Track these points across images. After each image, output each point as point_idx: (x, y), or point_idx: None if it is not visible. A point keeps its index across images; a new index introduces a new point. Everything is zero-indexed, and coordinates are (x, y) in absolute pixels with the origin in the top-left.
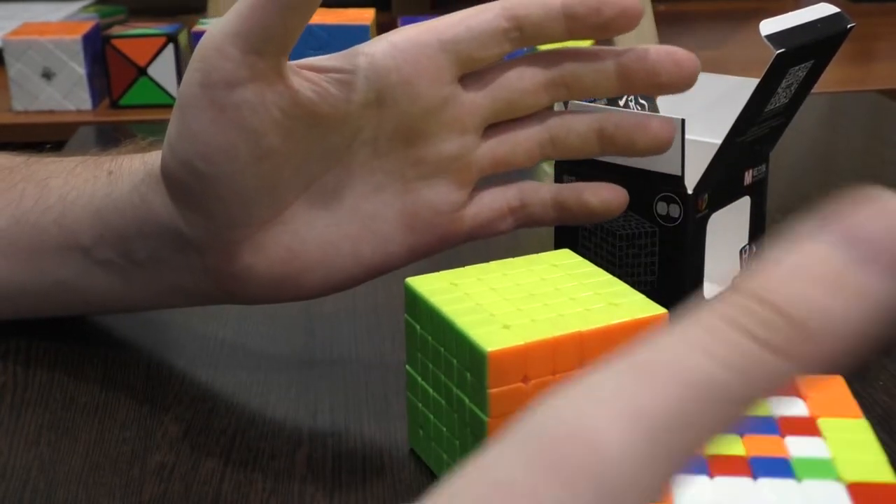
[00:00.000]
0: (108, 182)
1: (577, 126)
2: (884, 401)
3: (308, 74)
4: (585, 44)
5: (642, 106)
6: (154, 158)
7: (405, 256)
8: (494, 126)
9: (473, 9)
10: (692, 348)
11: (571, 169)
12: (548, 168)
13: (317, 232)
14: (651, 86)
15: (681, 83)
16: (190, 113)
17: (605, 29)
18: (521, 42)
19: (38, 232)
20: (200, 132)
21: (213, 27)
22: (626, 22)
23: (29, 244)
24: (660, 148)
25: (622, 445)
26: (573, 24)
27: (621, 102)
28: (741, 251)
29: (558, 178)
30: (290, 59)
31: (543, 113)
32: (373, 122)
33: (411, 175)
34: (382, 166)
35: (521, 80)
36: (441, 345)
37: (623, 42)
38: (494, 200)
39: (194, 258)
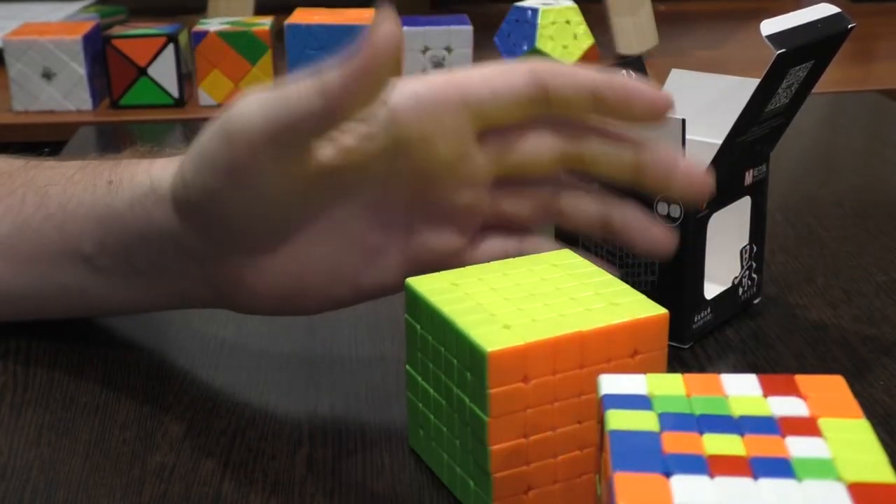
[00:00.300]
0: (108, 192)
1: (585, 207)
2: (884, 401)
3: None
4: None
5: None
6: (160, 174)
7: (400, 286)
8: (505, 179)
9: (501, 69)
10: None
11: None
12: None
13: (319, 259)
14: (657, 190)
15: (685, 195)
16: (208, 162)
17: (630, 118)
18: (545, 109)
19: (40, 238)
20: (216, 181)
21: (248, 111)
22: (654, 116)
23: (30, 250)
24: (656, 254)
25: None
26: (599, 106)
27: None
28: (741, 251)
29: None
30: (288, 60)
31: (558, 181)
32: (387, 166)
33: (418, 218)
34: (391, 206)
35: (540, 147)
36: (441, 345)
37: (623, 40)
38: (494, 248)
39: (196, 270)
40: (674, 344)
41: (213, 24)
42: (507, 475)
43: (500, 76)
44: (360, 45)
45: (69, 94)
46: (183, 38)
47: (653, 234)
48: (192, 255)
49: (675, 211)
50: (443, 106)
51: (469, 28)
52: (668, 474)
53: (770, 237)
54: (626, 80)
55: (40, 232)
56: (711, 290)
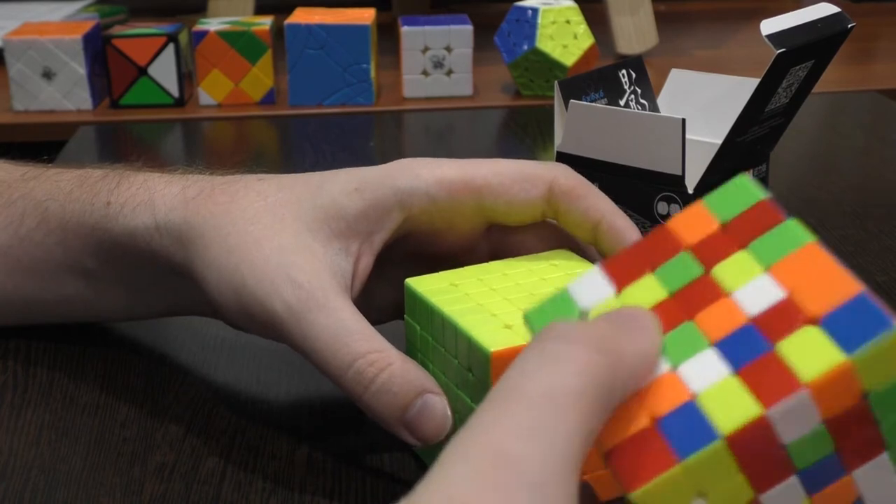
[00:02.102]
0: (107, 216)
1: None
2: None
3: (352, 251)
4: None
5: (643, 106)
6: (165, 213)
7: (389, 321)
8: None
9: (521, 174)
10: None
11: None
12: None
13: None
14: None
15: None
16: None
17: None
18: (550, 217)
19: (43, 252)
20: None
21: (333, 322)
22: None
23: (32, 262)
24: None
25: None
26: (594, 237)
27: (622, 102)
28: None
29: None
30: (288, 59)
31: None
32: (395, 239)
33: (416, 274)
34: (392, 265)
35: (540, 242)
36: (441, 345)
37: (623, 40)
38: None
39: (198, 292)
40: None
41: (213, 24)
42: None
43: (519, 185)
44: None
45: (69, 94)
46: (183, 37)
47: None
48: (197, 283)
49: (676, 211)
50: (457, 205)
51: (469, 28)
52: None
53: None
54: (627, 229)
55: (43, 246)
56: None
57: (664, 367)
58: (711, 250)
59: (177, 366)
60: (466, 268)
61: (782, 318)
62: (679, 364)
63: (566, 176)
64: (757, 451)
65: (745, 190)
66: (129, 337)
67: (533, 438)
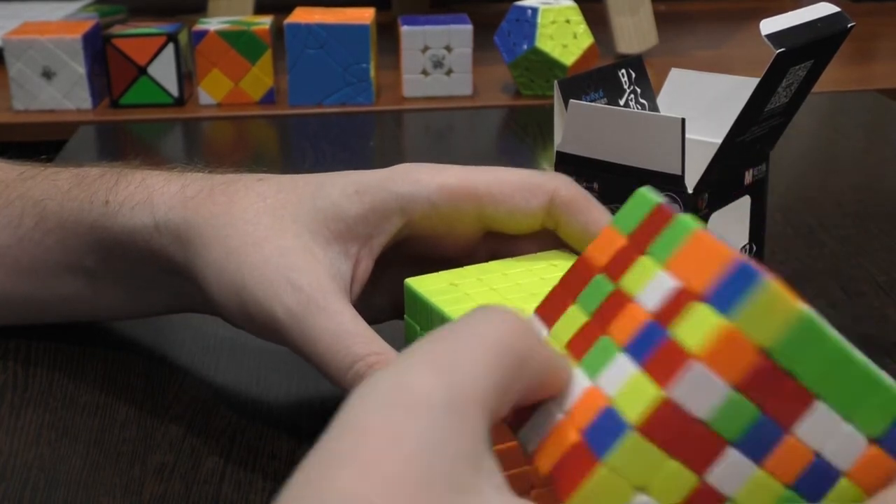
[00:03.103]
0: (105, 214)
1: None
2: None
3: (351, 254)
4: None
5: (642, 106)
6: (164, 212)
7: (386, 317)
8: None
9: (523, 183)
10: None
11: (572, 168)
12: (548, 168)
13: None
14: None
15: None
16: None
17: None
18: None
19: (42, 251)
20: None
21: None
22: None
23: (31, 261)
24: None
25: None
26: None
27: (622, 102)
28: (741, 250)
29: None
30: (288, 59)
31: None
32: (394, 243)
33: (411, 275)
34: (390, 268)
35: (538, 249)
36: None
37: (623, 40)
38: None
39: (198, 291)
40: None
41: (213, 24)
42: (509, 475)
43: (520, 194)
44: None
45: (69, 94)
46: (183, 37)
47: None
48: (196, 283)
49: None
50: (458, 214)
51: (469, 27)
52: None
53: (770, 237)
54: None
55: (42, 245)
56: None
57: (587, 383)
58: (619, 265)
59: (177, 366)
60: (466, 268)
61: (675, 305)
62: (597, 376)
63: (567, 187)
64: (676, 433)
65: (643, 200)
66: (129, 337)
67: (437, 371)
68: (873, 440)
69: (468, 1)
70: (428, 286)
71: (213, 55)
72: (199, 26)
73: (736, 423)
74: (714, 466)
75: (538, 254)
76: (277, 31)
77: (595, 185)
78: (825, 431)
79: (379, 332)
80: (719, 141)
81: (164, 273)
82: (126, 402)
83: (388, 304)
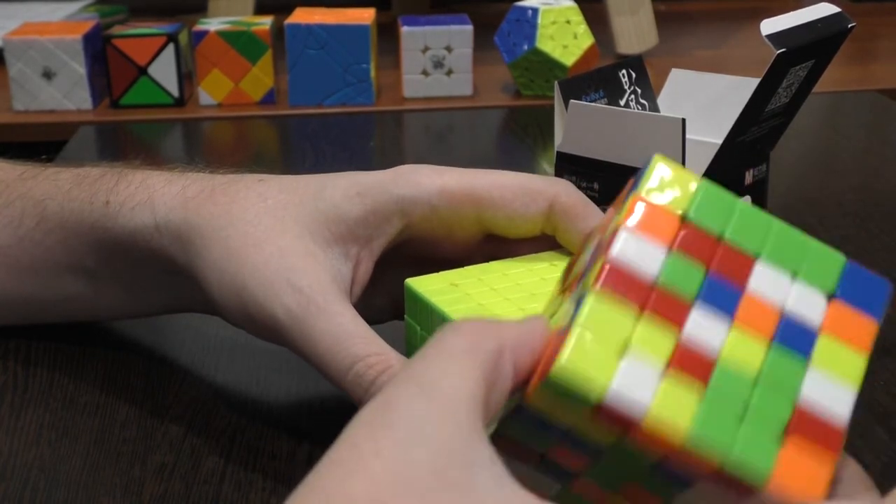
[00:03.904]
0: (106, 214)
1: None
2: (884, 400)
3: (352, 255)
4: None
5: (643, 106)
6: (165, 213)
7: (387, 321)
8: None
9: (523, 188)
10: None
11: (572, 168)
12: (548, 168)
13: None
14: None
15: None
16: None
17: None
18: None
19: (42, 251)
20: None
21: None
22: None
23: (32, 262)
24: None
25: None
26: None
27: (622, 102)
28: None
29: (558, 175)
30: (288, 59)
31: None
32: (393, 245)
33: (410, 276)
34: (389, 269)
35: (534, 250)
36: None
37: (623, 40)
38: None
39: (198, 291)
40: None
41: (213, 24)
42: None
43: (520, 199)
44: None
45: (69, 94)
46: (183, 37)
47: None
48: (196, 283)
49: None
50: (457, 218)
51: (469, 28)
52: None
53: None
54: None
55: (43, 245)
56: None
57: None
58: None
59: (177, 366)
60: (466, 268)
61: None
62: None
63: (567, 193)
64: (633, 290)
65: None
66: (129, 337)
67: (412, 381)
68: (831, 296)
69: (468, 1)
70: (428, 286)
71: (213, 55)
72: (200, 26)
73: (687, 282)
74: (686, 324)
75: (538, 254)
76: (277, 31)
77: (595, 185)
78: (777, 288)
79: (379, 332)
80: (719, 141)
81: (165, 273)
82: (126, 402)
83: (388, 304)
